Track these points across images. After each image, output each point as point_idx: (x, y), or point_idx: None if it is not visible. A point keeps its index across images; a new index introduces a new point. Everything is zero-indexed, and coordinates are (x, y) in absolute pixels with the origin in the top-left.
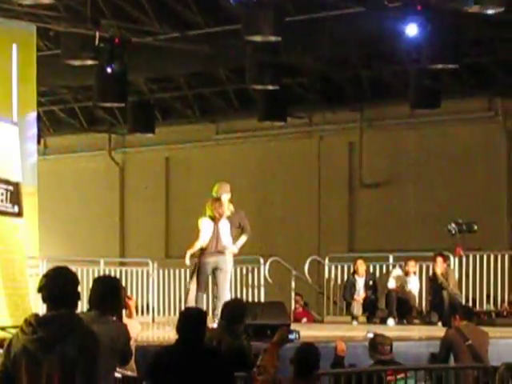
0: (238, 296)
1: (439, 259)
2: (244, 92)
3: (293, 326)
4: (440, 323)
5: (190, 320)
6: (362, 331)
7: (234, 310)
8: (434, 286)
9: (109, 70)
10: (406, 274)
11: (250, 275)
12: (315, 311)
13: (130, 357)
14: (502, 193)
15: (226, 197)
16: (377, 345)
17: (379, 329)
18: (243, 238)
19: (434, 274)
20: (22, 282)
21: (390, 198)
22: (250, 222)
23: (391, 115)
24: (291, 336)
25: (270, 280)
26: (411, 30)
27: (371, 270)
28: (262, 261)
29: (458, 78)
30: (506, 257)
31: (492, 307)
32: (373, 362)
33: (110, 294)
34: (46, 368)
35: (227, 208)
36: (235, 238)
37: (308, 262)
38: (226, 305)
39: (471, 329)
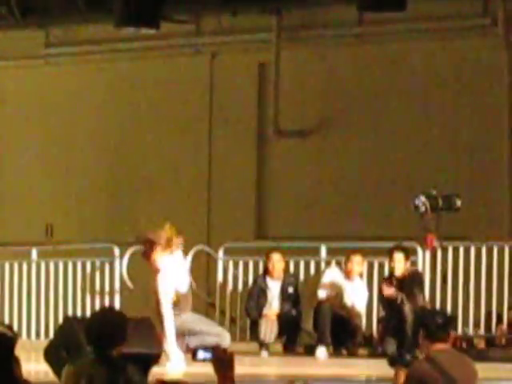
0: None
1: (398, 255)
2: None
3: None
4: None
5: None
6: (276, 368)
7: (102, 329)
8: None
9: None
10: (348, 275)
11: (97, 274)
12: None
13: None
14: (502, 144)
15: None
16: None
17: (304, 363)
18: None
19: (391, 276)
20: None
21: (321, 155)
22: (95, 186)
23: (326, 22)
24: None
25: (129, 283)
26: None
27: (291, 269)
28: (117, 252)
29: None
30: (507, 250)
31: (482, 331)
32: None
33: None
34: None
35: None
36: None
37: (191, 254)
38: (90, 323)
39: (450, 357)
